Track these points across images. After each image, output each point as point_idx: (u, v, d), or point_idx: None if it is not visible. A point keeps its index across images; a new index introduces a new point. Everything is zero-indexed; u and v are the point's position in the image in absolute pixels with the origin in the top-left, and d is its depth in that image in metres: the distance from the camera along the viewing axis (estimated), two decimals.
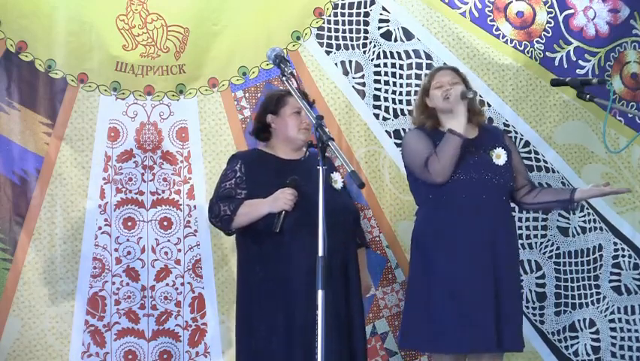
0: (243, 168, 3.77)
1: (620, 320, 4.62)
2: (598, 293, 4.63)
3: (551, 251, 4.63)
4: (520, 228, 4.47)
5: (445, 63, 4.55)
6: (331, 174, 3.83)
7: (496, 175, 3.89)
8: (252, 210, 3.69)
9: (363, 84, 4.58)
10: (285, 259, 3.69)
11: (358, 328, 3.83)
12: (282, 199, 3.61)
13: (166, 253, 4.43)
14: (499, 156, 3.92)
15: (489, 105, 4.58)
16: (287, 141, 3.84)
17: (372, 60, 4.59)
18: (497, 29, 4.63)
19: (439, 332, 3.80)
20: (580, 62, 4.65)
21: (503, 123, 4.58)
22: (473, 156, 3.89)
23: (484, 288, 3.79)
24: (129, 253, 4.40)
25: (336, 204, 3.71)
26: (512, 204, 4.05)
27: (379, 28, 4.60)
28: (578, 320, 4.61)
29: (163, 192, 4.44)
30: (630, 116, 4.67)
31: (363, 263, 4.03)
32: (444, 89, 3.89)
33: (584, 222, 4.64)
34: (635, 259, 4.64)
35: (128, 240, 4.40)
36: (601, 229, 4.65)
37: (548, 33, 4.64)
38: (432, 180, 3.87)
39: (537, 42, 4.63)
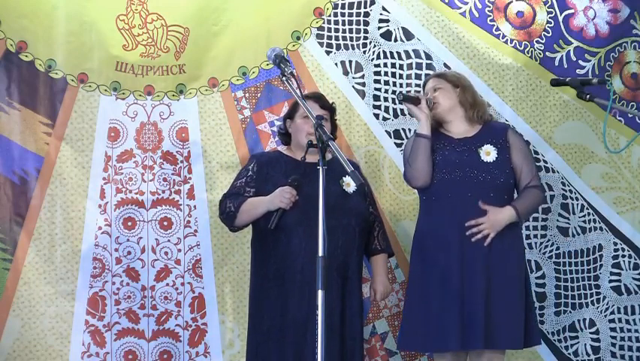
0: (255, 168, 3.91)
1: (620, 320, 4.62)
2: (598, 293, 4.62)
3: (551, 251, 4.62)
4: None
5: (445, 63, 4.56)
6: (344, 178, 3.86)
7: (482, 172, 3.89)
8: (252, 207, 3.81)
9: (363, 84, 4.58)
10: (282, 257, 3.77)
11: (355, 330, 3.84)
12: (279, 197, 3.70)
13: (166, 253, 4.42)
14: (489, 153, 3.93)
15: (489, 105, 4.57)
16: (299, 144, 3.93)
17: (372, 60, 4.59)
18: (497, 29, 4.63)
19: (433, 332, 3.81)
20: (580, 62, 4.65)
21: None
22: (460, 155, 3.92)
23: (473, 287, 3.79)
24: (129, 253, 4.40)
25: (343, 206, 3.78)
26: None
27: (379, 28, 4.60)
28: (578, 320, 4.61)
29: (163, 192, 4.44)
30: (630, 116, 4.67)
31: (381, 269, 4.05)
32: (427, 97, 4.00)
33: (584, 222, 4.64)
34: (635, 259, 4.64)
35: (128, 240, 4.40)
36: (601, 229, 4.64)
37: (548, 33, 4.64)
38: (413, 186, 3.99)
39: (537, 42, 4.63)
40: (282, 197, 3.70)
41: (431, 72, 4.53)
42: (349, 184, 3.88)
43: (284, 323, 3.74)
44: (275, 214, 3.70)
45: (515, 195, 3.99)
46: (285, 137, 4.07)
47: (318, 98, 4.02)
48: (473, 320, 3.77)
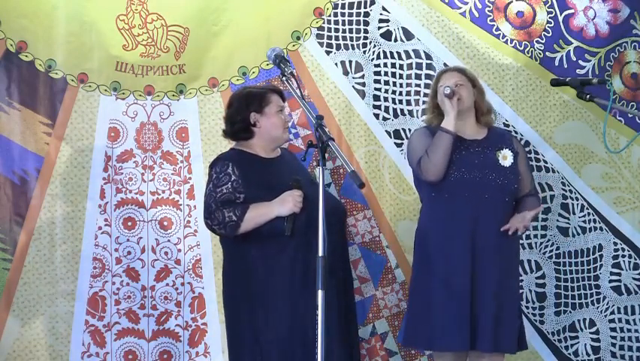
0: (236, 171, 3.68)
1: (620, 320, 4.62)
2: (598, 293, 4.62)
3: (551, 251, 4.62)
4: None
5: (445, 63, 4.56)
6: (315, 171, 3.81)
7: (500, 176, 3.89)
8: (259, 214, 3.61)
9: (363, 84, 4.58)
10: (291, 261, 3.62)
11: (355, 329, 3.83)
12: (292, 201, 3.56)
13: (166, 253, 4.43)
14: (506, 158, 3.93)
15: None
16: (270, 139, 3.79)
17: (372, 60, 4.59)
18: (497, 29, 4.62)
19: (439, 331, 3.81)
20: (580, 62, 4.64)
21: (503, 123, 4.58)
22: (479, 156, 3.91)
23: (483, 288, 3.80)
24: (129, 253, 4.40)
25: (329, 202, 3.68)
26: None
27: (379, 28, 4.60)
28: (578, 320, 4.61)
29: (163, 192, 4.44)
30: (630, 116, 4.67)
31: None
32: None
33: (584, 222, 4.64)
34: (635, 259, 4.64)
35: (128, 240, 4.40)
36: (601, 229, 4.64)
37: (548, 33, 4.64)
38: (425, 179, 3.90)
39: (537, 42, 4.63)
40: (294, 200, 3.54)
41: (431, 72, 4.53)
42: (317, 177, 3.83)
43: (305, 327, 3.54)
44: (288, 220, 3.54)
45: None
46: (245, 132, 3.80)
47: (281, 92, 3.85)
48: (482, 321, 3.78)
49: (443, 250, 3.85)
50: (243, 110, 3.78)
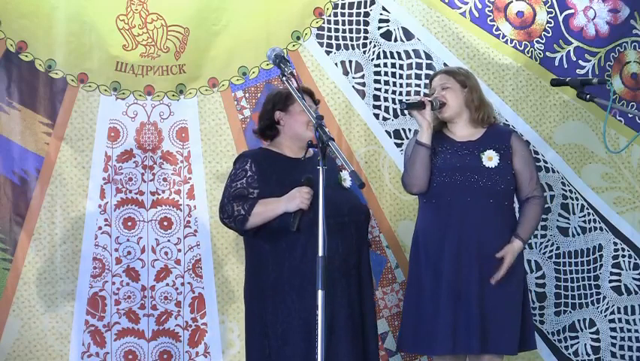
0: (254, 167, 3.73)
1: (620, 320, 4.62)
2: (598, 293, 4.63)
3: (551, 251, 4.63)
4: None
5: (445, 63, 4.56)
6: (340, 173, 3.82)
7: (483, 178, 3.84)
8: (267, 209, 3.64)
9: (363, 84, 4.58)
10: (300, 258, 3.64)
11: (371, 328, 3.80)
12: (299, 198, 3.58)
13: (166, 253, 4.43)
14: (491, 159, 3.88)
15: None
16: (295, 137, 3.82)
17: (372, 60, 4.59)
18: (497, 29, 4.63)
19: (430, 335, 3.80)
20: (580, 62, 4.65)
21: (503, 124, 4.58)
22: (464, 158, 3.88)
23: (471, 291, 3.77)
24: (129, 253, 4.41)
25: (348, 203, 3.73)
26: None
27: (379, 28, 4.60)
28: (578, 320, 4.61)
29: (163, 192, 4.44)
30: (630, 116, 4.67)
31: None
32: (433, 96, 3.92)
33: (584, 222, 4.64)
34: (635, 259, 4.64)
35: (128, 240, 4.41)
36: (601, 229, 4.65)
37: (548, 33, 4.64)
38: (408, 191, 3.95)
39: (537, 42, 4.63)
40: (301, 197, 3.57)
41: (431, 72, 4.53)
42: (345, 180, 3.83)
43: (309, 325, 3.52)
44: (294, 215, 3.56)
45: (515, 201, 3.97)
46: (271, 130, 3.87)
47: (312, 93, 3.92)
48: (467, 324, 3.76)
49: (429, 255, 3.85)
50: (270, 109, 3.86)
